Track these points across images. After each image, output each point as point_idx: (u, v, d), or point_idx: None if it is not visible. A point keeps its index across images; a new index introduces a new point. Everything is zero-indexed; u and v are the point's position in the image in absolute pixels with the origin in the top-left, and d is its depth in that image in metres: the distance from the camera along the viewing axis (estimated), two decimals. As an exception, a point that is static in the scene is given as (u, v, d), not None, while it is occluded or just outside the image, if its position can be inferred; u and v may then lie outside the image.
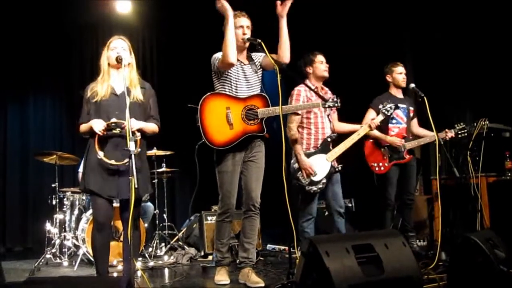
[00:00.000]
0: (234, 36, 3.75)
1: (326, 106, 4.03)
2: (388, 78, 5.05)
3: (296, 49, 4.04)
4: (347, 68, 6.43)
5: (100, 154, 3.42)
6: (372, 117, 4.80)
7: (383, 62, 5.18)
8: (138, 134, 3.43)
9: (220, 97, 3.86)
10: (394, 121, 4.95)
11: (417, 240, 5.33)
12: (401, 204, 4.99)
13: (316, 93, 4.13)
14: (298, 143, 4.38)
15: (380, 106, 4.62)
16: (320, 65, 4.47)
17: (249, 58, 4.02)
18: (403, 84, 4.97)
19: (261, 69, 4.04)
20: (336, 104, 4.05)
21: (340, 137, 4.55)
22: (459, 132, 4.89)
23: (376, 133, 4.83)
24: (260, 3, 3.93)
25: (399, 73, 5.00)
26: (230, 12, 3.73)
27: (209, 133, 3.76)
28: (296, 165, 4.37)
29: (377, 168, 4.90)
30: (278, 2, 3.79)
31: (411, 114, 5.05)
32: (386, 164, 4.87)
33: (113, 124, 3.46)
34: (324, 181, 4.35)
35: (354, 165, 4.78)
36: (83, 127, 3.58)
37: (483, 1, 5.89)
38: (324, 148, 4.40)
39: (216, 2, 3.72)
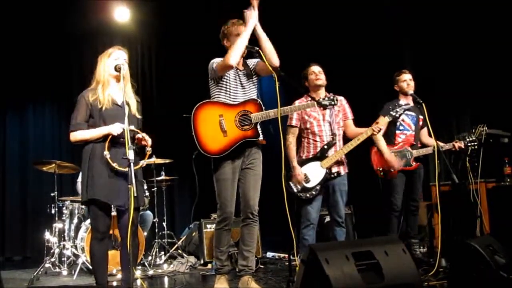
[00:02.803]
0: (246, 42, 3.77)
1: (322, 105, 4.03)
2: (396, 88, 5.07)
3: (295, 56, 4.07)
4: (345, 76, 6.45)
5: (107, 154, 3.38)
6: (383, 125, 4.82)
7: (383, 68, 5.19)
8: (149, 148, 3.50)
9: (213, 105, 3.86)
10: (401, 127, 4.95)
11: (421, 247, 5.32)
12: (406, 211, 4.98)
13: (315, 100, 4.13)
14: (291, 154, 4.44)
15: (390, 107, 4.58)
16: (311, 76, 4.52)
17: (245, 65, 4.03)
18: (408, 90, 4.94)
19: (255, 75, 4.04)
20: (332, 103, 4.06)
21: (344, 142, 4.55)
22: (469, 144, 4.87)
23: (380, 143, 4.82)
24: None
25: (403, 81, 5.00)
26: (255, 18, 3.76)
27: (203, 142, 3.75)
28: (290, 173, 4.42)
29: (382, 173, 4.89)
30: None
31: (421, 123, 5.03)
32: (392, 170, 4.86)
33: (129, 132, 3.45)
34: (318, 187, 4.35)
35: (352, 172, 4.76)
36: (83, 134, 3.49)
37: (483, 7, 5.91)
38: (320, 155, 4.40)
39: (250, 7, 3.75)
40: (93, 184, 3.44)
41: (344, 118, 4.60)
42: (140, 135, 3.52)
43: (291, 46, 4.01)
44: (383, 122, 4.47)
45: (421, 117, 5.00)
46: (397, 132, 4.96)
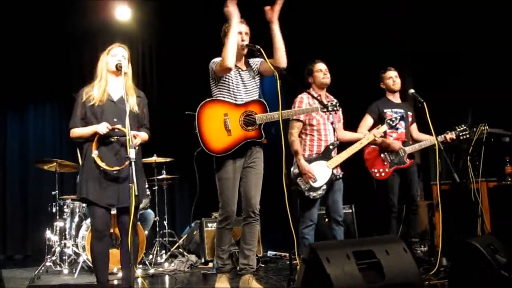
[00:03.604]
0: (236, 40, 3.77)
1: (325, 110, 4.04)
2: (382, 86, 5.08)
3: (296, 55, 4.06)
4: (345, 75, 6.45)
5: (95, 153, 3.42)
6: (368, 122, 4.86)
7: (382, 67, 5.20)
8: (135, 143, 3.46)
9: (218, 103, 3.86)
10: None
11: (421, 246, 5.32)
12: (406, 210, 4.98)
13: (319, 101, 4.13)
14: (298, 149, 4.39)
15: (386, 114, 4.61)
16: (319, 73, 4.49)
17: (247, 64, 4.03)
18: (395, 87, 4.98)
19: (259, 75, 4.04)
20: (335, 108, 4.07)
21: (343, 144, 4.55)
22: (461, 134, 4.86)
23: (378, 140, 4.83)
24: (258, 10, 3.93)
25: (388, 78, 5.02)
26: (236, 16, 3.75)
27: (207, 140, 3.76)
28: (296, 171, 4.38)
29: (377, 174, 4.88)
30: (267, 8, 3.80)
31: (410, 119, 5.04)
32: (386, 170, 4.85)
33: (116, 130, 3.49)
34: (324, 187, 4.34)
35: (354, 171, 4.76)
36: (78, 132, 3.56)
37: (482, 7, 5.91)
38: (325, 154, 4.40)
39: (225, 4, 3.74)
40: (85, 183, 3.51)
41: (337, 121, 4.61)
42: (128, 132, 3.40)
43: (291, 46, 4.02)
44: (382, 130, 4.56)
45: (409, 113, 5.01)
46: (388, 131, 4.95)
